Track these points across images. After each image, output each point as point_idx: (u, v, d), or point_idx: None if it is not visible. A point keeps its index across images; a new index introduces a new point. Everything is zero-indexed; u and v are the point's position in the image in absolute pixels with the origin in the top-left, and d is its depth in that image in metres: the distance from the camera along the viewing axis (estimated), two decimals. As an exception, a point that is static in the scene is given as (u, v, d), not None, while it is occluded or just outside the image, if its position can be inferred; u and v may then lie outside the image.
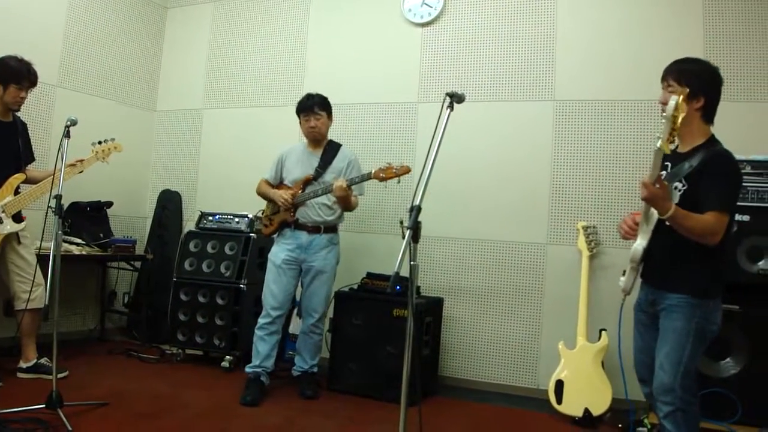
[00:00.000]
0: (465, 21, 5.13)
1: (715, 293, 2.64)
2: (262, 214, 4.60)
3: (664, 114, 2.34)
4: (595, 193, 4.62)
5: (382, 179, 4.05)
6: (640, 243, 2.68)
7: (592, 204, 4.61)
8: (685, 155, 2.66)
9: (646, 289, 2.80)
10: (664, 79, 2.74)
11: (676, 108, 2.29)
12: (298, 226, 4.34)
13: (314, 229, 4.34)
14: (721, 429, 3.51)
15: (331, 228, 4.43)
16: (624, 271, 2.84)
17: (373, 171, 4.08)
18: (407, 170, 4.03)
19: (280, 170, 4.51)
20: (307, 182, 4.35)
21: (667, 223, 2.56)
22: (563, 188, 4.72)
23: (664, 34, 4.47)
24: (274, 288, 4.32)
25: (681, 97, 2.30)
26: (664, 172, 2.69)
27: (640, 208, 2.69)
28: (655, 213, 2.58)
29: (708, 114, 2.67)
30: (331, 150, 4.47)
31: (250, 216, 5.12)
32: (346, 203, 4.31)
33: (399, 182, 4.05)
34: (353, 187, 4.21)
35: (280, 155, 4.54)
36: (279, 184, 4.49)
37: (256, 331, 4.34)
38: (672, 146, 2.54)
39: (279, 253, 4.36)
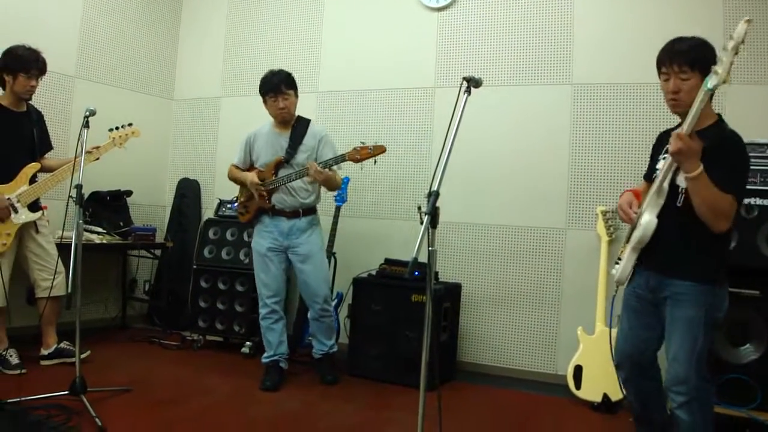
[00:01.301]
0: (481, 4, 5.08)
1: (723, 279, 2.55)
2: (237, 200, 4.48)
3: (730, 44, 2.13)
4: (614, 177, 4.58)
5: (357, 161, 3.95)
6: (650, 218, 2.55)
7: (612, 188, 4.57)
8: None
9: (646, 274, 2.66)
10: (671, 64, 2.52)
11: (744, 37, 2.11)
12: (276, 212, 4.23)
13: (293, 213, 4.22)
14: (741, 415, 3.48)
15: (311, 210, 4.30)
16: (618, 259, 2.75)
17: (347, 153, 3.97)
18: (382, 150, 3.92)
19: (248, 153, 4.37)
20: (278, 164, 4.20)
21: (678, 204, 2.48)
22: (582, 172, 4.68)
23: (683, 14, 4.40)
24: (264, 277, 4.26)
25: (747, 24, 2.14)
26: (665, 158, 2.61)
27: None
28: (666, 186, 2.51)
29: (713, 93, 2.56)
30: (300, 128, 4.28)
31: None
32: (329, 184, 4.16)
33: (375, 163, 3.97)
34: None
35: (246, 138, 4.40)
36: (249, 168, 4.36)
37: (261, 322, 4.31)
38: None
39: (262, 241, 4.26)
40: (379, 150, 3.93)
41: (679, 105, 2.54)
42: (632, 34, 4.58)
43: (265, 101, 4.25)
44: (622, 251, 2.78)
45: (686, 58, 2.48)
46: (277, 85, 4.16)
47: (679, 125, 2.65)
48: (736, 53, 2.14)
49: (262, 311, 4.29)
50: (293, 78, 4.25)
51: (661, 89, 2.62)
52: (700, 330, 2.47)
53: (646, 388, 2.74)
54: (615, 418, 3.88)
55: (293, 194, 4.19)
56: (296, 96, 4.28)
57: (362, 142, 3.97)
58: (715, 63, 2.38)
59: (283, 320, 4.35)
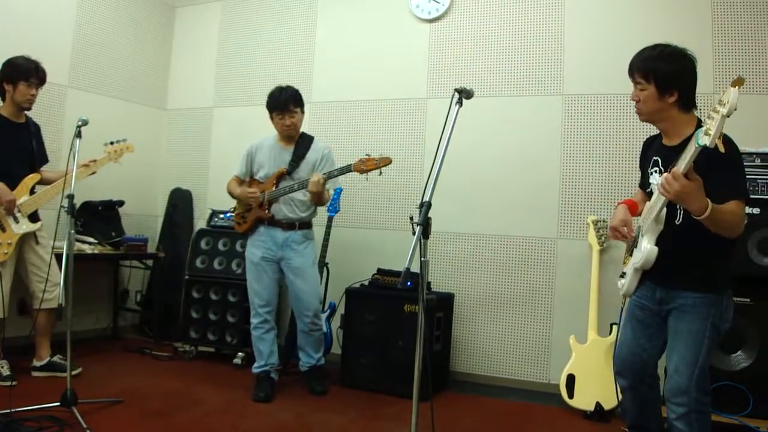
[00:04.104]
0: (473, 16, 5.12)
1: (727, 286, 2.55)
2: (234, 211, 4.50)
3: (723, 110, 2.04)
4: (605, 187, 4.60)
5: (362, 171, 3.99)
6: (651, 247, 2.53)
7: (602, 198, 4.60)
8: (677, 148, 2.45)
9: (653, 287, 2.65)
10: (630, 74, 2.62)
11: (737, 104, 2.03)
12: (273, 222, 4.26)
13: (289, 225, 4.26)
14: (732, 422, 3.50)
15: (306, 224, 4.36)
16: (623, 273, 2.76)
17: (353, 164, 4.02)
18: (388, 161, 3.96)
19: (250, 165, 4.40)
20: (280, 177, 4.25)
21: (677, 222, 2.48)
22: (573, 182, 4.71)
23: (672, 26, 4.44)
24: (257, 287, 4.28)
25: (739, 87, 2.06)
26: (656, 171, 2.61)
27: (631, 196, 2.62)
28: (664, 212, 2.49)
29: (686, 104, 2.54)
30: (303, 143, 4.35)
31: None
32: (318, 198, 4.21)
33: (381, 174, 4.00)
34: (328, 181, 4.14)
35: (248, 149, 4.42)
36: (250, 180, 4.40)
37: (252, 332, 4.31)
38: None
39: (255, 251, 4.28)
40: (384, 162, 3.97)
41: (639, 113, 2.64)
42: (622, 45, 4.59)
43: (271, 117, 4.30)
44: (624, 263, 2.79)
45: (639, 69, 2.57)
46: (285, 103, 4.21)
47: (658, 135, 2.72)
48: (728, 116, 2.05)
49: (254, 321, 4.29)
50: (300, 95, 4.30)
51: None
52: (703, 343, 2.47)
53: (645, 395, 2.74)
54: (608, 427, 3.89)
55: (292, 207, 4.24)
56: (302, 112, 4.33)
57: (367, 154, 4.01)
58: (677, 80, 2.48)
59: (275, 330, 4.35)
